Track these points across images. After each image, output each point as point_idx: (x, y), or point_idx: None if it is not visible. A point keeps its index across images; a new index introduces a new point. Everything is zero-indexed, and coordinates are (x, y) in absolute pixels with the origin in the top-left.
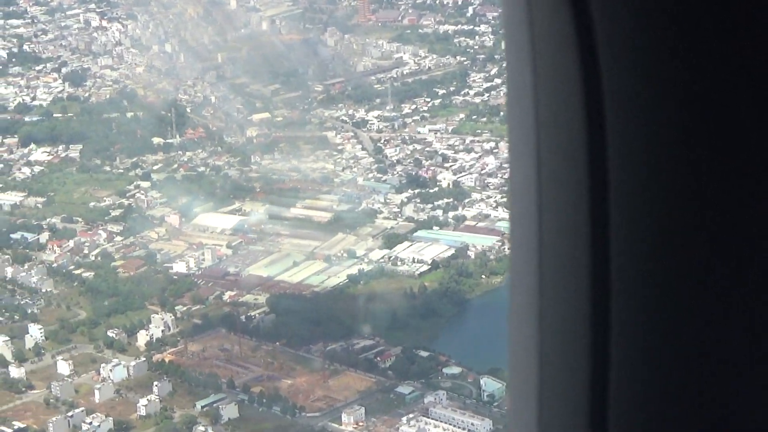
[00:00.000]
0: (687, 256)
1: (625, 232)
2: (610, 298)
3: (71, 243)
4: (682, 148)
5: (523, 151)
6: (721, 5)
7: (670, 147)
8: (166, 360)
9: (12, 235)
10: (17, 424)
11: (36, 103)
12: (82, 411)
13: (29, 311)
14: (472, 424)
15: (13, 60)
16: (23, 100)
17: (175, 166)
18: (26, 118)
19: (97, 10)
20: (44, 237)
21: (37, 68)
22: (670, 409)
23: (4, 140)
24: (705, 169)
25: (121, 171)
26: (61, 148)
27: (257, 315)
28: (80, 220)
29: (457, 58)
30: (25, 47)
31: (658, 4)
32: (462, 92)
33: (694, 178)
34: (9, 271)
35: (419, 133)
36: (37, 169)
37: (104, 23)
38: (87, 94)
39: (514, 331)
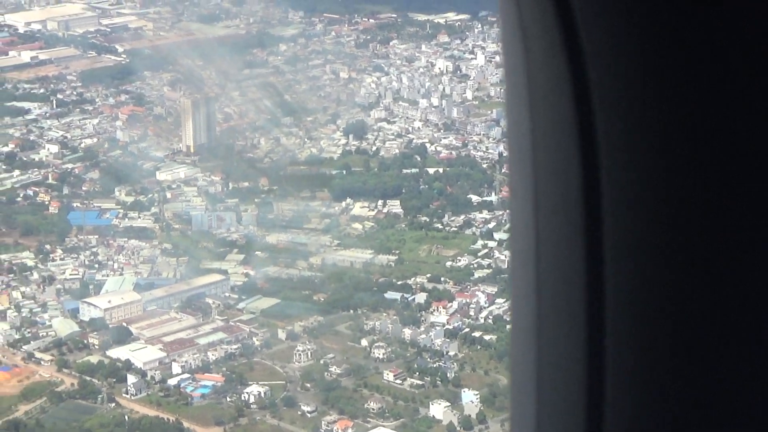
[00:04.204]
0: (680, 258)
1: (618, 235)
2: (605, 301)
3: (454, 304)
4: (672, 158)
5: (520, 164)
6: (712, 35)
7: (660, 156)
8: None
9: (385, 296)
10: None
11: (325, 155)
12: None
13: (448, 375)
14: None
15: (279, 110)
16: (311, 151)
17: (508, 225)
18: (324, 171)
19: (337, 61)
20: (420, 297)
21: (309, 119)
22: (666, 410)
23: (315, 194)
24: (697, 175)
25: (455, 229)
26: (380, 203)
27: None
28: (448, 280)
29: None
30: (287, 97)
31: (649, 37)
32: None
33: (687, 183)
34: (407, 333)
35: None
36: (367, 225)
37: (353, 75)
38: (374, 148)
39: (514, 336)
